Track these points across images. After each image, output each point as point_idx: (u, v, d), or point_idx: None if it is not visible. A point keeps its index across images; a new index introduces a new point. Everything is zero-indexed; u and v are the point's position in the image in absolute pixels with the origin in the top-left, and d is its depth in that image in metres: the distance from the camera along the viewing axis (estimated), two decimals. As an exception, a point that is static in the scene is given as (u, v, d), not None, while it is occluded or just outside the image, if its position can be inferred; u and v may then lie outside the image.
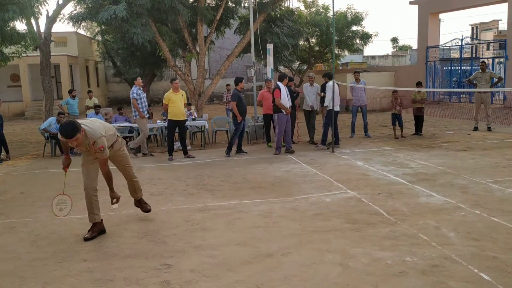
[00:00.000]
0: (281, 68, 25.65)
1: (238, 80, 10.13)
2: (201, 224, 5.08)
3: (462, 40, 18.27)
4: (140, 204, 5.41)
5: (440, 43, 20.06)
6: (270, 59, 11.85)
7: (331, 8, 28.84)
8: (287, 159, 8.94)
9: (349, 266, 3.82)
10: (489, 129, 11.70)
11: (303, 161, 8.71)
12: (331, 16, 25.52)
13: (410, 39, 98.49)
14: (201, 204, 5.93)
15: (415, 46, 71.60)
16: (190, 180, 7.36)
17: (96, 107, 12.95)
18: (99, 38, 29.83)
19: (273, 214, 5.33)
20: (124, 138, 12.11)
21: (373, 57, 52.50)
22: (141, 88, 10.09)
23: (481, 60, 14.61)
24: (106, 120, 12.48)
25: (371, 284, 3.47)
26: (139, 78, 10.14)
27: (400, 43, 75.08)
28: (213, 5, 19.43)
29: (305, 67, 27.62)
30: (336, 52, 27.53)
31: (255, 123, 12.24)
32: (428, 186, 6.37)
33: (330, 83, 10.02)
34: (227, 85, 16.70)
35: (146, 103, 10.24)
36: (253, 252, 4.17)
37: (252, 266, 3.88)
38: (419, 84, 11.87)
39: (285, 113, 9.40)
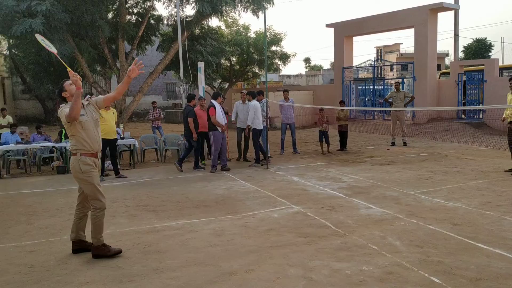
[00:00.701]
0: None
1: (191, 97, 10.28)
2: (153, 246, 4.94)
3: (374, 61, 19.73)
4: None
5: (354, 64, 21.44)
6: (201, 77, 11.89)
7: (251, 28, 29.73)
8: (225, 177, 8.98)
9: (312, 278, 3.95)
10: (405, 144, 12.71)
11: (240, 178, 8.80)
12: (252, 36, 26.27)
13: (322, 60, 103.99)
14: (147, 225, 5.76)
15: (326, 66, 75.39)
16: (129, 201, 7.12)
17: (12, 126, 12.04)
18: (5, 52, 27.81)
19: (225, 232, 5.33)
20: (45, 159, 11.44)
21: (288, 76, 54.46)
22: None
23: (396, 81, 15.84)
24: (23, 139, 11.65)
25: (337, 295, 3.62)
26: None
27: (312, 63, 78.96)
28: (134, 22, 19.11)
29: (226, 85, 27.99)
30: (256, 71, 28.26)
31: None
32: (364, 199, 6.77)
33: (253, 101, 10.30)
34: (153, 102, 16.38)
35: None
36: (215, 271, 4.15)
37: (218, 285, 3.85)
38: (342, 103, 12.59)
39: (220, 130, 9.48)
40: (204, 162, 10.53)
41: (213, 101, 9.61)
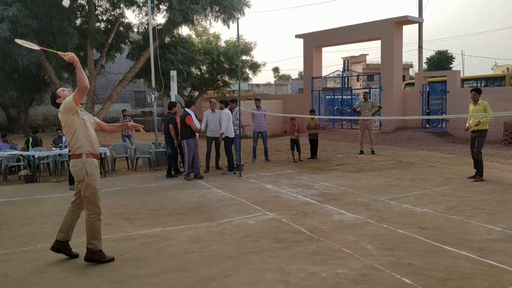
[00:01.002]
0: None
1: (172, 105, 10.33)
2: (130, 253, 4.95)
3: (342, 72, 20.22)
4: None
5: (322, 74, 21.91)
6: (174, 85, 11.91)
7: (222, 37, 29.85)
8: (198, 185, 9.02)
9: (290, 282, 4.06)
10: (373, 152, 13.08)
11: (214, 186, 8.86)
12: (223, 45, 26.42)
13: (291, 69, 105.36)
14: (122, 233, 5.75)
15: (294, 75, 76.28)
16: (103, 210, 7.02)
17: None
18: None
19: (202, 239, 5.39)
20: (11, 168, 11.15)
21: (258, 85, 54.84)
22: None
23: (364, 90, 16.29)
24: (-13, 148, 11.33)
25: (315, 297, 3.75)
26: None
27: (281, 72, 79.80)
28: (103, 29, 18.94)
29: (196, 93, 27.98)
30: (226, 80, 28.39)
31: (156, 149, 12.08)
32: (336, 205, 6.96)
33: (226, 110, 10.43)
34: (123, 110, 16.21)
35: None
36: (195, 277, 4.20)
37: (198, 291, 3.92)
38: (312, 112, 12.86)
39: (198, 136, 9.64)
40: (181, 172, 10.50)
41: (187, 109, 9.66)
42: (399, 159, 11.90)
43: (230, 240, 5.33)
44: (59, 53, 4.53)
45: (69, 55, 4.41)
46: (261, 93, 47.75)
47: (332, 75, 21.30)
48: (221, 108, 10.52)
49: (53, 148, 10.80)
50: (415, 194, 7.58)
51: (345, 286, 3.94)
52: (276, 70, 77.56)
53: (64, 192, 8.69)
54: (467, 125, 8.92)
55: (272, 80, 74.86)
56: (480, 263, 4.40)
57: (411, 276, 4.12)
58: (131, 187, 9.02)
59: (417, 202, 7.00)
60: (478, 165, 8.74)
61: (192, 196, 7.93)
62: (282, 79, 73.40)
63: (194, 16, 18.16)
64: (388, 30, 17.95)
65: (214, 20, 20.54)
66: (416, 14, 20.74)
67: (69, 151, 4.79)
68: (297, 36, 21.91)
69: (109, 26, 19.14)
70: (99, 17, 18.96)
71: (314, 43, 21.05)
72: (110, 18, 19.24)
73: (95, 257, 4.61)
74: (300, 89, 54.12)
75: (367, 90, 16.91)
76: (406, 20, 18.02)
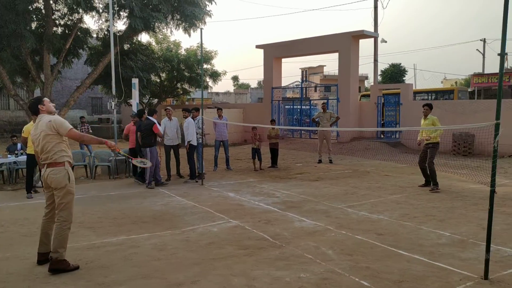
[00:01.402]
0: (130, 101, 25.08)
1: (141, 112, 10.30)
2: (95, 261, 4.95)
3: (302, 83, 20.72)
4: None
5: (282, 84, 22.34)
6: (136, 93, 11.86)
7: (182, 45, 29.79)
8: (160, 193, 9.03)
9: (255, 286, 4.22)
10: (331, 161, 13.49)
11: (176, 194, 8.91)
12: (183, 53, 26.39)
13: (250, 79, 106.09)
14: (86, 242, 5.72)
15: (253, 85, 76.81)
16: (64, 218, 6.95)
17: None
18: None
19: (167, 247, 5.46)
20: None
21: (217, 93, 54.92)
22: None
23: (323, 102, 16.77)
24: None
25: (280, 300, 3.92)
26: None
27: (240, 81, 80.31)
28: (61, 33, 18.53)
29: (155, 101, 27.75)
30: (186, 87, 28.34)
31: (116, 157, 11.95)
32: (297, 213, 7.19)
33: (189, 118, 10.54)
34: (82, 117, 15.90)
35: None
36: (162, 284, 4.28)
37: (166, 297, 4.00)
38: (273, 121, 13.14)
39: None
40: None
41: (151, 118, 9.68)
42: (356, 168, 12.35)
43: (195, 247, 5.43)
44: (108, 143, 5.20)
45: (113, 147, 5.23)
46: (220, 101, 47.87)
47: (292, 85, 21.67)
48: (185, 117, 10.59)
49: (8, 156, 10.49)
50: (371, 202, 7.94)
51: (308, 290, 4.14)
52: (235, 79, 78.00)
53: (21, 200, 8.48)
54: (418, 139, 9.40)
55: (231, 88, 75.14)
56: (431, 265, 4.73)
57: (369, 279, 4.38)
58: (92, 196, 8.91)
59: (373, 210, 7.35)
60: (431, 175, 9.07)
61: (155, 205, 7.94)
62: (241, 88, 73.88)
63: (155, 24, 18.13)
64: (345, 44, 18.59)
65: (175, 28, 20.57)
66: (371, 29, 21.57)
67: (40, 159, 4.80)
68: (258, 47, 22.25)
69: (67, 31, 18.75)
70: (57, 21, 18.53)
71: (274, 54, 21.45)
72: (68, 23, 18.85)
73: (60, 266, 4.60)
74: (260, 98, 54.65)
75: (325, 101, 17.42)
76: (362, 35, 18.74)
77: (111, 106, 12.81)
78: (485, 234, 5.28)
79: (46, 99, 4.91)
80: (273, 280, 4.36)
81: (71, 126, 4.85)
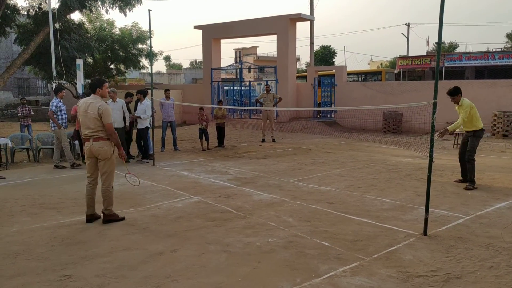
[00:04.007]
0: (63, 83, 24.10)
1: (128, 95, 11.02)
2: (71, 238, 5.13)
3: (241, 64, 21.11)
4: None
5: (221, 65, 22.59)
6: (80, 74, 11.64)
7: (116, 24, 28.85)
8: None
9: (230, 251, 4.67)
10: (274, 140, 14.13)
11: (131, 174, 9.04)
12: (117, 32, 25.67)
13: (182, 59, 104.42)
14: (54, 221, 5.83)
15: (185, 65, 75.67)
16: (22, 201, 6.93)
17: None
18: None
19: (138, 222, 5.74)
20: None
21: (149, 74, 53.59)
22: (61, 101, 9.98)
23: (266, 83, 17.30)
24: None
25: (255, 260, 4.41)
26: (63, 90, 10.17)
27: (172, 62, 78.96)
28: (-14, 10, 17.41)
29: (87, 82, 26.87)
30: (121, 68, 27.68)
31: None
32: (253, 187, 7.69)
33: (146, 100, 10.66)
34: (22, 98, 15.17)
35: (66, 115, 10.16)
36: (144, 254, 4.60)
37: (151, 264, 4.34)
38: (220, 102, 13.46)
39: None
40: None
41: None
42: (298, 146, 13.07)
43: (165, 221, 5.76)
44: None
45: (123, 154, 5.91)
46: (153, 82, 46.79)
47: (231, 66, 21.97)
48: (139, 99, 10.69)
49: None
50: (318, 176, 8.63)
51: (278, 252, 4.65)
52: (167, 59, 76.56)
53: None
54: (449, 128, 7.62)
55: (163, 69, 73.72)
56: (379, 227, 5.43)
57: (329, 240, 4.99)
58: (43, 178, 8.81)
59: (321, 182, 8.03)
60: (469, 170, 7.52)
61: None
62: (173, 68, 72.74)
63: (92, 2, 17.59)
64: (283, 26, 19.19)
65: (110, 7, 20.04)
66: (308, 13, 22.33)
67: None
68: (196, 27, 22.25)
69: (-7, 7, 17.65)
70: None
71: (213, 35, 21.59)
72: (-6, -1, 17.71)
73: (112, 218, 5.72)
74: (194, 79, 54.32)
75: (269, 83, 17.98)
76: (299, 18, 19.42)
77: (52, 87, 12.45)
78: (420, 199, 6.13)
79: (106, 84, 5.70)
80: (245, 245, 4.83)
81: (112, 120, 5.68)
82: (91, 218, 5.77)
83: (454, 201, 6.59)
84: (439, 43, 4.81)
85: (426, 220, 5.09)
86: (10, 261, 4.46)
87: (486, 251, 4.60)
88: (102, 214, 5.78)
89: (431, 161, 5.09)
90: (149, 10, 9.99)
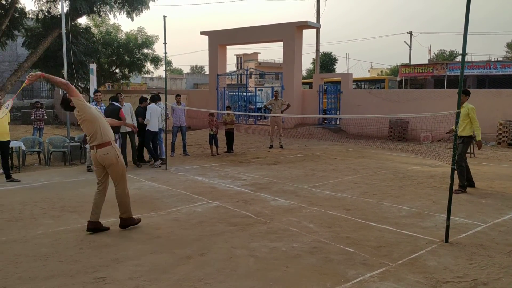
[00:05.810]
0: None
1: (143, 99, 10.91)
2: (98, 241, 5.20)
3: (247, 70, 21.26)
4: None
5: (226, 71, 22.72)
6: (94, 78, 11.73)
7: (122, 28, 28.97)
8: (128, 178, 9.16)
9: (257, 256, 4.75)
10: (281, 146, 14.22)
11: (145, 179, 9.13)
12: (123, 37, 25.80)
13: (182, 65, 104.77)
14: (78, 224, 5.91)
15: (186, 70, 75.71)
16: (41, 204, 7.01)
17: None
18: None
19: (161, 226, 5.81)
20: None
21: (151, 78, 53.91)
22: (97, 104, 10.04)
23: (275, 89, 17.44)
24: None
25: (283, 265, 4.49)
26: (99, 93, 10.30)
27: (173, 67, 79.09)
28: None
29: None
30: (126, 72, 27.81)
31: (70, 143, 11.81)
32: (268, 193, 7.78)
33: (152, 105, 10.77)
34: (36, 102, 15.22)
35: None
36: (173, 257, 4.68)
37: (181, 267, 4.41)
38: (228, 108, 13.57)
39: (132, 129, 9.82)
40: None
41: (116, 103, 9.77)
42: (306, 153, 13.17)
43: (188, 226, 5.83)
44: (26, 83, 5.10)
45: (34, 75, 5.08)
46: (155, 86, 47.09)
47: (235, 72, 22.11)
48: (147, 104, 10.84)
49: None
50: (332, 182, 8.72)
51: (303, 256, 4.74)
52: (169, 64, 76.70)
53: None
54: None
55: (164, 74, 73.75)
56: (399, 233, 5.52)
57: (352, 246, 5.07)
58: (58, 182, 8.88)
59: (335, 189, 8.12)
60: (458, 173, 7.56)
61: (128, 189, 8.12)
62: (174, 73, 72.91)
63: (101, 7, 17.73)
64: (290, 33, 19.35)
65: (118, 12, 20.21)
66: (314, 20, 22.49)
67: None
68: (202, 33, 22.40)
69: (2, 12, 17.79)
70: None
71: (219, 41, 21.74)
72: (4, 2, 17.86)
73: (130, 222, 5.68)
74: (196, 84, 54.44)
75: (278, 89, 18.12)
76: (306, 25, 19.59)
77: (61, 92, 12.51)
78: (436, 207, 6.23)
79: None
80: (271, 250, 4.91)
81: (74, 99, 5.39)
82: (93, 227, 5.51)
83: (470, 209, 6.68)
84: (463, 54, 4.94)
85: (447, 227, 5.18)
86: (41, 263, 4.53)
87: (509, 258, 4.69)
88: (119, 219, 5.73)
89: (453, 169, 5.18)
90: (164, 17, 10.12)
